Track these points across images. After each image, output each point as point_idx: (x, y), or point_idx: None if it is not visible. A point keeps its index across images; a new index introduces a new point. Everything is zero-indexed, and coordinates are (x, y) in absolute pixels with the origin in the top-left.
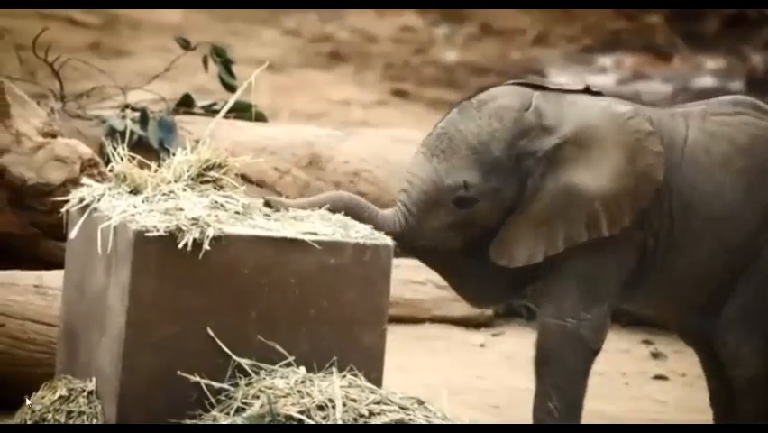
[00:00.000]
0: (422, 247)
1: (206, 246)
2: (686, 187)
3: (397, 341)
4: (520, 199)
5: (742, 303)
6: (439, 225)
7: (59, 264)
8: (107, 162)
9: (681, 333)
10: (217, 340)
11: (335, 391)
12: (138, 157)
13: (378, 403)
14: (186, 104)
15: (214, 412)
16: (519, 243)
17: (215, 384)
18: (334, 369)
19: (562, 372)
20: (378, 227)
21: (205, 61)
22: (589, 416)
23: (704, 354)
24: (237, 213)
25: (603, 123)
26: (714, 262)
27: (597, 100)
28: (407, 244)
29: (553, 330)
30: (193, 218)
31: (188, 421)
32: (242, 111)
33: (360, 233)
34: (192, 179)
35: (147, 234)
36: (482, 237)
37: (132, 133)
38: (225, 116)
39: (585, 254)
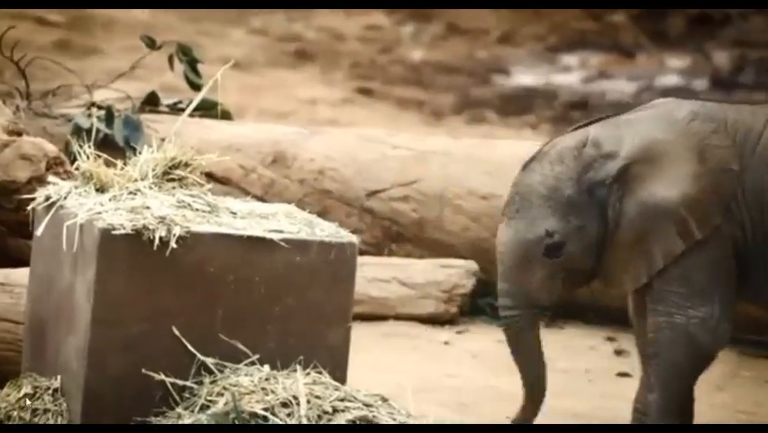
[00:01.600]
0: (543, 307)
1: (173, 245)
2: (757, 183)
3: (363, 338)
4: (606, 231)
5: None
6: (540, 280)
7: (26, 262)
8: (73, 161)
9: None
10: (182, 338)
11: (299, 388)
12: (104, 155)
13: (342, 400)
14: (151, 102)
15: (179, 410)
16: (621, 271)
17: (180, 382)
18: (299, 366)
19: (668, 366)
20: (521, 346)
21: (170, 60)
22: (554, 413)
23: None
24: (204, 211)
25: (663, 133)
26: None
27: (652, 113)
28: (529, 310)
29: (663, 326)
30: (159, 217)
31: (153, 419)
32: (207, 109)
33: (325, 231)
34: (158, 177)
35: (113, 233)
36: (586, 280)
37: (97, 131)
38: (192, 115)
39: (680, 260)
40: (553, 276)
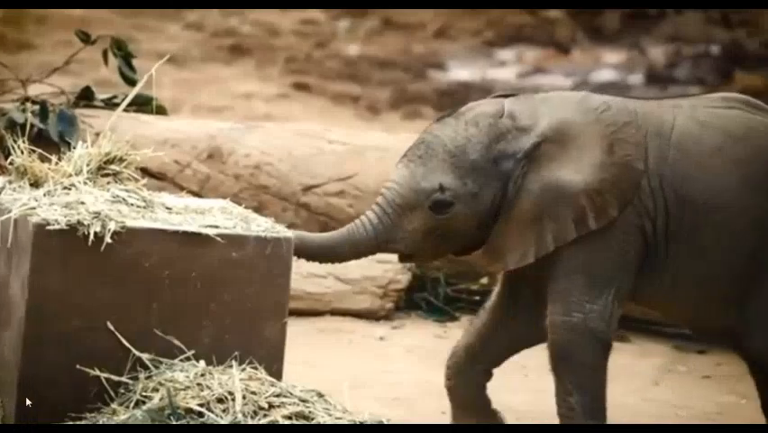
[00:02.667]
0: (397, 251)
1: (108, 240)
2: (677, 176)
3: (299, 334)
4: (502, 203)
5: (764, 297)
6: (414, 230)
7: None
8: (7, 156)
9: (708, 336)
10: (117, 334)
11: (235, 383)
12: (38, 150)
13: (277, 396)
14: (86, 97)
15: (114, 405)
16: (509, 246)
17: (115, 378)
18: (234, 362)
19: (578, 367)
20: (344, 240)
21: (105, 55)
22: None
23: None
24: (139, 207)
25: (578, 117)
26: (720, 251)
27: (569, 95)
28: (381, 244)
29: (561, 327)
30: (94, 212)
31: (88, 415)
32: (142, 104)
33: (261, 226)
34: (92, 172)
35: (48, 228)
36: (460, 248)
37: (32, 126)
38: (126, 110)
39: (582, 248)
40: (429, 231)
